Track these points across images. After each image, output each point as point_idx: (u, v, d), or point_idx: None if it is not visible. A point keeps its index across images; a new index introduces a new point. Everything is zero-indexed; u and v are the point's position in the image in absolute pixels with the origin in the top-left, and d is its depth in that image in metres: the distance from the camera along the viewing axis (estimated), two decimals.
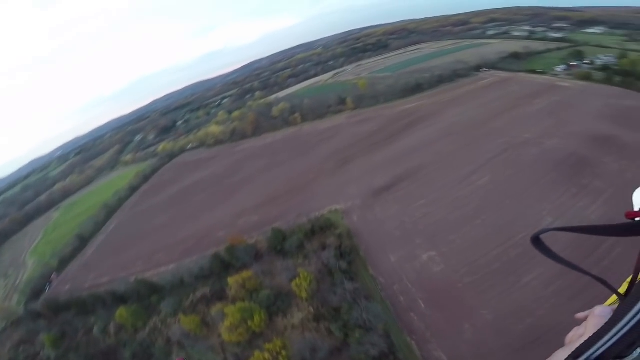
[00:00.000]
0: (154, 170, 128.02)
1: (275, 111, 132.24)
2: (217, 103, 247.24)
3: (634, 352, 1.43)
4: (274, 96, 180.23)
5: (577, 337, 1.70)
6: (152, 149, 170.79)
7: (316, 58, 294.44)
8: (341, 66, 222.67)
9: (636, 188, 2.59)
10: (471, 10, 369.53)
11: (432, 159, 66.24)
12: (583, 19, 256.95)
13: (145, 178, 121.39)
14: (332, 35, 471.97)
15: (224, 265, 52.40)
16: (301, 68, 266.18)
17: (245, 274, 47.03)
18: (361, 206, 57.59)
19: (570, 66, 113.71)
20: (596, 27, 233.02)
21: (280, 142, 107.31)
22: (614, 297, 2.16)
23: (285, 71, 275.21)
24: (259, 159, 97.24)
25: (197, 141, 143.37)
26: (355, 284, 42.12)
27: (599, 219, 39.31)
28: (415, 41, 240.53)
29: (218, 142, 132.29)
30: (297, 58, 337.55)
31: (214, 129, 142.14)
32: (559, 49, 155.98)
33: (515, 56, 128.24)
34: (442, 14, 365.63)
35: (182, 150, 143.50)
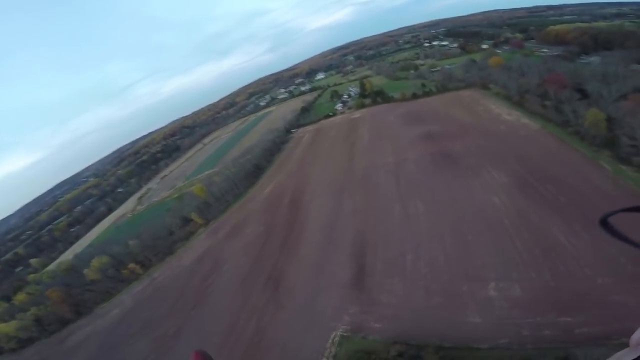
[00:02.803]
0: None
1: (91, 273, 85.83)
2: None
3: None
4: (61, 257, 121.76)
5: None
6: None
7: (96, 190, 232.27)
8: (139, 187, 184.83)
9: None
10: (229, 93, 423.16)
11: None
12: (308, 72, 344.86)
13: None
14: (98, 161, 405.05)
15: None
16: (80, 209, 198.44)
17: None
18: None
19: (343, 103, 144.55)
20: (319, 74, 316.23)
21: (131, 314, 67.00)
22: None
23: (60, 220, 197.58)
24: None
25: None
26: None
27: None
28: (204, 133, 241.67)
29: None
30: (66, 199, 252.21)
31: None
32: (319, 95, 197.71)
33: (305, 110, 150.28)
34: (206, 104, 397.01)
35: None
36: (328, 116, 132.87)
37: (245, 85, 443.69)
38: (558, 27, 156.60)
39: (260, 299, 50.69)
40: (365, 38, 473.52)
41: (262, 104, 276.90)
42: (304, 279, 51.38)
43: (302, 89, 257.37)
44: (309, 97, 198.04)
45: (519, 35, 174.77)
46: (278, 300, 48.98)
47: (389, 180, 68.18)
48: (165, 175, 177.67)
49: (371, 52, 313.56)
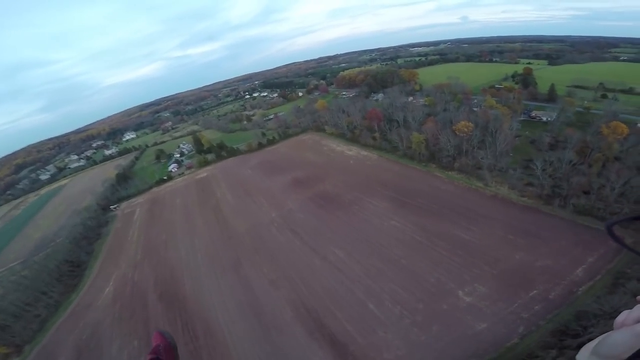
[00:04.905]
0: None
1: None
2: None
3: None
4: None
5: (631, 320, 1.70)
6: None
7: None
8: None
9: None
10: None
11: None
12: (110, 132, 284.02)
13: None
14: None
15: None
16: None
17: None
18: None
19: (178, 163, 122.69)
20: (127, 134, 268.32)
21: None
22: None
23: None
24: None
25: None
26: None
27: None
28: None
29: None
30: None
31: None
32: (137, 158, 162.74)
33: (123, 178, 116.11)
34: None
35: None
36: (162, 181, 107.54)
37: (8, 155, 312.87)
38: (346, 72, 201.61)
39: None
40: (180, 93, 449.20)
41: (44, 177, 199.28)
42: None
43: (107, 152, 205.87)
44: (121, 161, 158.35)
45: (322, 82, 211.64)
46: None
47: (286, 236, 58.45)
48: None
49: (190, 107, 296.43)
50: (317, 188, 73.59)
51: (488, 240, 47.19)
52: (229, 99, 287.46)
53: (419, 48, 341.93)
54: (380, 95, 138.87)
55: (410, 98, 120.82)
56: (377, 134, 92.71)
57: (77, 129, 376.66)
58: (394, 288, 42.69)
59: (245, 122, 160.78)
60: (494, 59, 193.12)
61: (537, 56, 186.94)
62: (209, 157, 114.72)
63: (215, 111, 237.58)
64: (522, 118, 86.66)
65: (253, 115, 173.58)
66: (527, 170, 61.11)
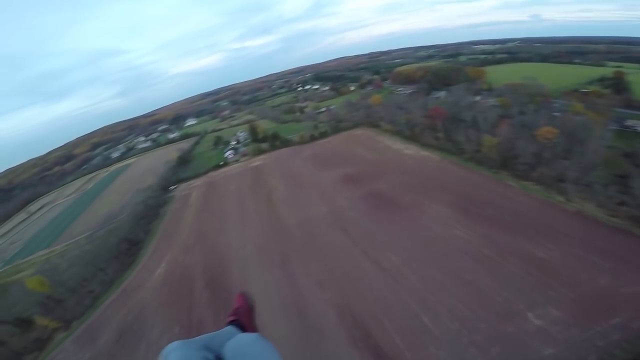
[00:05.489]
0: None
1: None
2: None
3: None
4: None
5: None
6: None
7: None
8: None
9: None
10: (63, 144, 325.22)
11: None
12: (174, 118, 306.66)
13: None
14: None
15: None
16: None
17: None
18: None
19: (234, 150, 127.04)
20: (189, 120, 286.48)
21: None
22: None
23: None
24: None
25: None
26: None
27: None
28: (28, 198, 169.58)
29: None
30: None
31: None
32: (197, 142, 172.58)
33: (184, 161, 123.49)
34: (26, 159, 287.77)
35: None
36: (218, 166, 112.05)
37: (87, 134, 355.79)
38: (403, 68, 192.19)
39: None
40: (237, 83, 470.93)
41: (115, 155, 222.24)
42: None
43: (170, 136, 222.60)
44: (183, 145, 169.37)
45: (375, 77, 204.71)
46: None
47: (336, 234, 56.15)
48: None
49: (246, 97, 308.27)
50: (371, 186, 69.99)
51: (567, 260, 40.58)
52: (282, 90, 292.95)
53: (483, 46, 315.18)
54: (442, 93, 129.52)
55: (478, 97, 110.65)
56: (440, 134, 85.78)
57: (146, 114, 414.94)
58: (453, 303, 38.28)
59: (297, 114, 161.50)
60: (575, 61, 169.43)
61: (628, 59, 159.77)
62: (264, 146, 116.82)
63: (269, 102, 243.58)
64: (613, 127, 74.08)
65: (305, 107, 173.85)
66: (619, 187, 51.64)
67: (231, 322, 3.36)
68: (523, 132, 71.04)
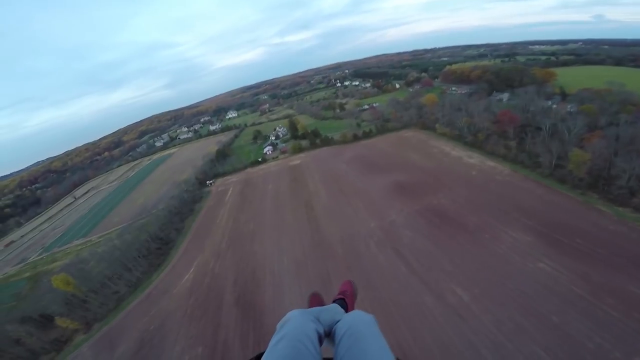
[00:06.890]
0: None
1: None
2: None
3: None
4: None
5: None
6: None
7: None
8: None
9: None
10: (114, 130, 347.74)
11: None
12: (215, 110, 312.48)
13: None
14: None
15: None
16: None
17: None
18: None
19: (273, 146, 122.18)
20: (230, 112, 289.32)
21: None
22: None
23: None
24: None
25: None
26: None
27: None
28: (77, 181, 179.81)
29: None
30: None
31: None
32: (236, 136, 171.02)
33: (222, 154, 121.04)
34: (84, 142, 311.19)
35: None
36: (256, 162, 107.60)
37: (136, 122, 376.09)
38: (456, 66, 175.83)
39: None
40: (277, 78, 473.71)
41: (158, 144, 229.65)
42: None
43: (212, 128, 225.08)
44: (222, 138, 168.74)
45: (424, 75, 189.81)
46: None
47: (388, 256, 47.65)
48: (13, 242, 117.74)
49: (285, 91, 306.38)
50: (429, 200, 60.27)
51: None
52: (321, 85, 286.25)
53: (541, 46, 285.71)
54: (505, 95, 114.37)
55: (549, 102, 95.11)
56: (511, 142, 73.24)
57: (190, 105, 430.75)
58: (536, 351, 30.71)
59: (338, 110, 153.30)
60: None
61: None
62: (303, 143, 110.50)
63: (308, 97, 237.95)
64: None
65: (346, 103, 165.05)
66: None
67: (337, 300, 3.58)
68: (619, 147, 57.32)
